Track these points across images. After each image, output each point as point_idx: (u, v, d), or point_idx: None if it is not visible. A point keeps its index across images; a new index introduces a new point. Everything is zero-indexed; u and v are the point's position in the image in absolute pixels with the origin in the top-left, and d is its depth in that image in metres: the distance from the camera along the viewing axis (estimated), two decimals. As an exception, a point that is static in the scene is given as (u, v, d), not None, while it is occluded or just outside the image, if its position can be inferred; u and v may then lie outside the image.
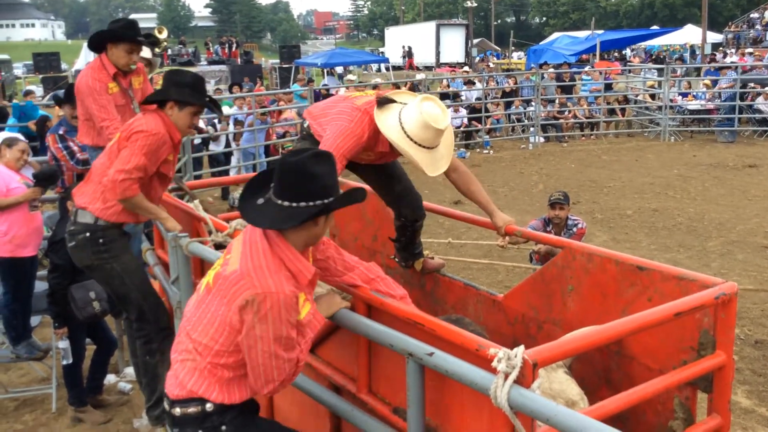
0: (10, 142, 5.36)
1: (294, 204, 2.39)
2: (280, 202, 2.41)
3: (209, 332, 2.45)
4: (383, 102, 3.38)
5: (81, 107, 4.84)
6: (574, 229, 6.18)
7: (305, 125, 3.67)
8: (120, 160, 3.72)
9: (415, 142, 3.26)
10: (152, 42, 5.22)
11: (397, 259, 4.42)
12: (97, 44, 4.77)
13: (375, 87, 16.49)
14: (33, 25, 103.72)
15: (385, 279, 2.79)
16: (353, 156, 3.43)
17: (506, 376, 2.01)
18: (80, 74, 4.81)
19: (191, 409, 2.49)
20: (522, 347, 2.04)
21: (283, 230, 2.43)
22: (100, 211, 3.80)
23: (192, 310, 2.55)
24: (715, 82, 17.59)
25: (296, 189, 2.40)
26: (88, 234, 3.81)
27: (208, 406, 2.49)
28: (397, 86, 17.23)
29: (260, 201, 2.49)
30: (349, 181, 4.67)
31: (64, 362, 5.02)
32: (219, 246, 3.81)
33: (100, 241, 3.80)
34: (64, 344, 4.97)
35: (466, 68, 26.49)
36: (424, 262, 4.34)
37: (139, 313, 3.90)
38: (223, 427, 2.53)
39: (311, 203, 2.39)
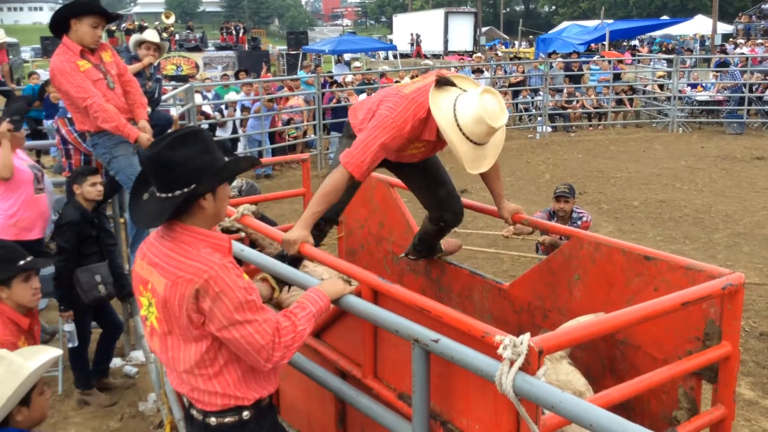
0: None
1: (170, 194, 2.32)
2: (158, 194, 2.36)
3: (190, 354, 2.37)
4: (442, 83, 3.14)
5: (64, 97, 4.83)
6: (579, 222, 6.17)
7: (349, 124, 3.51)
8: None
9: (464, 134, 3.04)
10: (116, 17, 5.18)
11: (411, 257, 4.34)
12: (61, 24, 4.74)
13: (382, 75, 16.41)
14: (41, 9, 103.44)
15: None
16: (397, 148, 3.23)
17: (512, 363, 2.01)
18: (50, 64, 4.79)
19: (228, 419, 2.43)
20: (528, 334, 2.04)
21: (178, 221, 2.36)
22: None
23: (163, 356, 2.46)
24: (721, 75, 17.49)
25: (163, 180, 2.34)
26: None
27: (245, 414, 2.44)
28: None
29: (146, 196, 2.44)
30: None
31: (70, 345, 5.04)
32: (226, 231, 3.82)
33: None
34: (70, 327, 4.99)
35: (479, 54, 26.28)
36: (443, 243, 4.26)
37: None
38: None
39: (185, 190, 2.31)
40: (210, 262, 2.29)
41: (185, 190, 2.31)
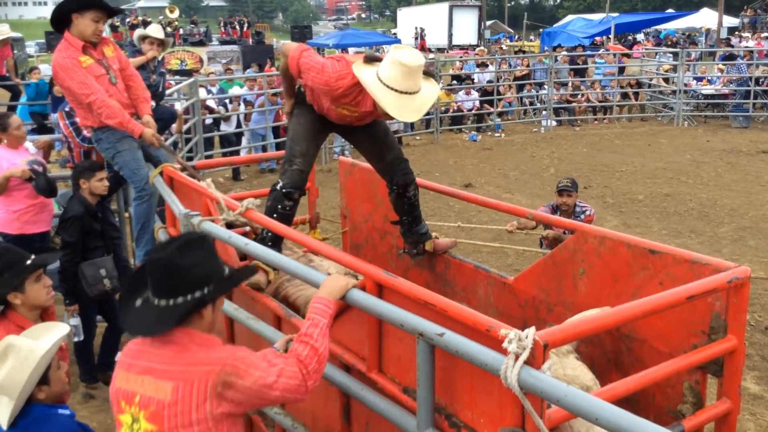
0: (3, 127, 5.26)
1: (171, 302, 2.22)
2: (156, 302, 2.25)
3: None
4: (370, 59, 3.51)
5: (66, 93, 4.82)
6: (582, 216, 6.15)
7: (301, 90, 3.85)
8: None
9: (386, 85, 3.34)
10: (117, 11, 5.18)
11: (406, 250, 4.41)
12: (62, 18, 4.73)
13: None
14: (45, 4, 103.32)
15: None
16: (331, 99, 3.61)
17: (517, 356, 2.00)
18: (52, 61, 4.78)
19: None
20: (533, 328, 2.03)
21: (177, 326, 2.24)
22: None
23: None
24: (728, 67, 17.41)
25: (167, 286, 2.23)
26: None
27: None
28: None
29: (138, 302, 2.32)
30: (360, 162, 4.68)
31: (76, 339, 5.05)
32: (230, 225, 3.83)
33: None
34: (75, 321, 5.00)
35: (482, 48, 26.19)
36: (435, 242, 4.33)
37: None
38: None
39: (187, 297, 2.22)
40: (223, 349, 2.25)
41: (188, 297, 2.23)
